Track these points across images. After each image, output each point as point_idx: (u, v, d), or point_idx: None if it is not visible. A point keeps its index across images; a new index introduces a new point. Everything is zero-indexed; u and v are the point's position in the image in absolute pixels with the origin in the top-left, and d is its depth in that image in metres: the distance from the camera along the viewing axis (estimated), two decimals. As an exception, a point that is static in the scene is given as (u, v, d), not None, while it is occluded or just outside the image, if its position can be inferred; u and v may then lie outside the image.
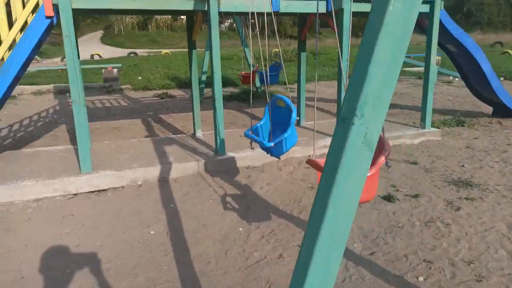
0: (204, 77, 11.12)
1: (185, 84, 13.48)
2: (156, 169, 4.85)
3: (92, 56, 23.75)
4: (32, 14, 4.47)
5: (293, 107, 3.72)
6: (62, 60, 22.91)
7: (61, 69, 16.16)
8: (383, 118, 1.38)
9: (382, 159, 2.34)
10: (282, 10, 5.49)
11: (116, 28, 44.64)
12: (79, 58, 5.07)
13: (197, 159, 5.13)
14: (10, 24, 4.61)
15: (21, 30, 4.44)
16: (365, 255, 3.19)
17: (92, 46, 31.73)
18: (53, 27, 5.16)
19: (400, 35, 1.36)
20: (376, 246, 3.32)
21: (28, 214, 4.06)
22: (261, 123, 4.04)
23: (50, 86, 13.10)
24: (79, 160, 4.63)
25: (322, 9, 5.75)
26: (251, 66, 7.94)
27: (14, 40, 4.34)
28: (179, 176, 4.96)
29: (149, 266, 3.14)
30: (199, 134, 6.45)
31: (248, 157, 5.26)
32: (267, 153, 3.89)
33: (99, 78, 14.34)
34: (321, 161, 2.40)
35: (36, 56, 21.85)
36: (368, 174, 2.36)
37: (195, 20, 6.14)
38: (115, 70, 13.67)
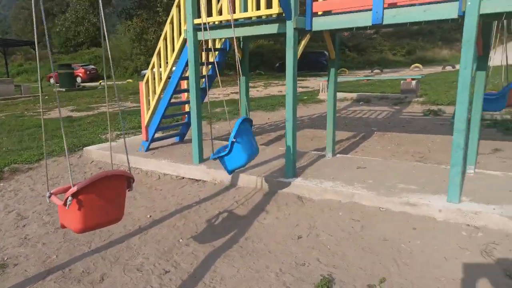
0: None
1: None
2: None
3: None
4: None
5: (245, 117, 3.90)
6: None
7: (367, 80, 17.81)
8: None
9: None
10: (386, 22, 4.36)
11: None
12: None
13: (267, 177, 5.26)
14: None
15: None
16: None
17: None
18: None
19: None
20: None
21: (151, 181, 6.05)
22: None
23: (354, 95, 14.66)
24: (193, 153, 6.09)
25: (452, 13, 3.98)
26: None
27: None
28: (255, 187, 5.36)
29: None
30: (329, 155, 6.08)
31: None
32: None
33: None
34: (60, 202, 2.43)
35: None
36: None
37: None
38: (413, 82, 13.29)
